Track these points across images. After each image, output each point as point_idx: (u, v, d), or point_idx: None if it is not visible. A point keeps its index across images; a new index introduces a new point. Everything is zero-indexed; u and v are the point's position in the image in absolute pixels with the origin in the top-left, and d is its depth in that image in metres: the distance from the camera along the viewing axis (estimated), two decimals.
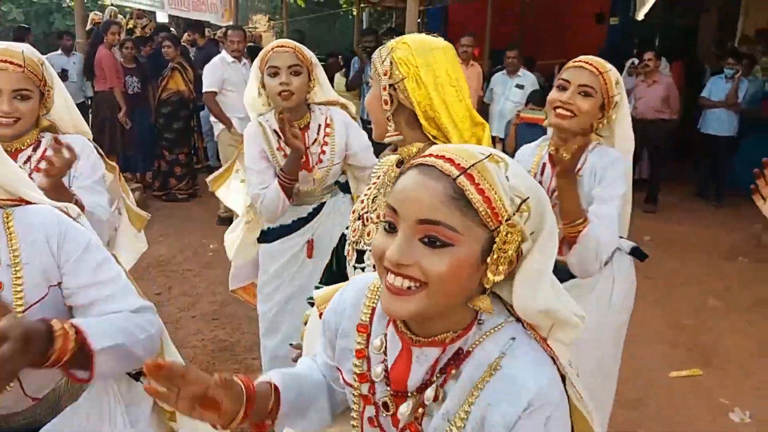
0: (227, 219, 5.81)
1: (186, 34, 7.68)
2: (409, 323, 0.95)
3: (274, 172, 2.31)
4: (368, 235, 1.49)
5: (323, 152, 2.35)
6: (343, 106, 2.48)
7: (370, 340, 1.00)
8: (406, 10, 18.02)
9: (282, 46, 2.28)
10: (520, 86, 6.75)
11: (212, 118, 5.79)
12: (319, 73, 2.37)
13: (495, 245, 0.85)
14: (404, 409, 0.94)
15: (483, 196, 0.84)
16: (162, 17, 11.07)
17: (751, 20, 11.41)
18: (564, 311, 0.93)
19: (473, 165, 0.86)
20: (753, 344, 3.78)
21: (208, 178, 3.15)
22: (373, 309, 1.02)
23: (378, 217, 1.47)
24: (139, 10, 9.19)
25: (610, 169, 1.92)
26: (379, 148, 1.85)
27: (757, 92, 7.27)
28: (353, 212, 1.57)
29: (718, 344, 3.78)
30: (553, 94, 1.98)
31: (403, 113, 1.43)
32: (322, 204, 2.44)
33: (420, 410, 0.94)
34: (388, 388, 0.96)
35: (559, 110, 1.95)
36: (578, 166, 1.89)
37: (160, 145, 6.65)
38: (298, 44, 2.31)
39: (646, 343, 3.80)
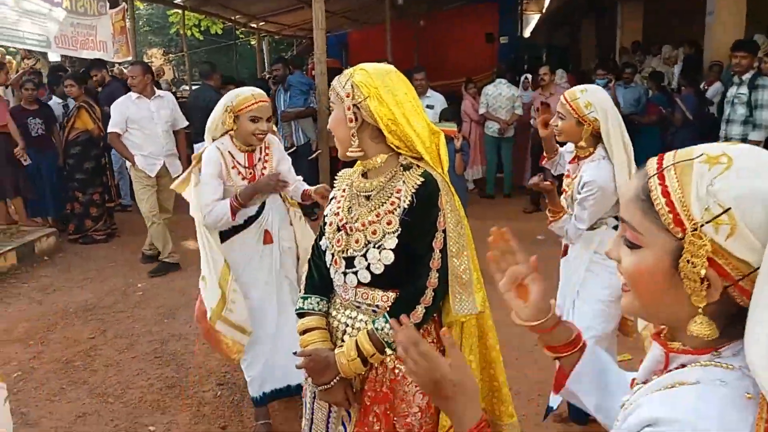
0: (152, 256, 5.68)
1: (92, 72, 7.43)
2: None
3: (223, 188, 2.80)
4: (356, 242, 1.61)
5: (264, 168, 2.90)
6: (274, 132, 3.08)
7: None
8: (304, 38, 18.21)
9: (263, 101, 2.77)
10: (430, 106, 7.01)
11: None
12: None
13: (681, 257, 0.76)
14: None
15: (667, 198, 0.77)
16: (54, 56, 10.62)
17: (627, 34, 12.53)
18: None
19: (674, 164, 0.78)
20: None
21: (173, 185, 3.14)
22: None
23: (363, 225, 1.60)
24: (26, 50, 8.79)
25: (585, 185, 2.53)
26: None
27: (640, 98, 7.94)
28: (329, 225, 1.69)
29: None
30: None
31: (367, 129, 1.60)
32: (264, 203, 2.94)
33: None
34: None
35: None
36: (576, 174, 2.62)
37: (71, 186, 6.37)
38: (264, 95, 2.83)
39: None
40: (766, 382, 0.69)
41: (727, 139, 5.36)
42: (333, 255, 1.67)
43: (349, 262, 1.62)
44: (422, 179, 1.58)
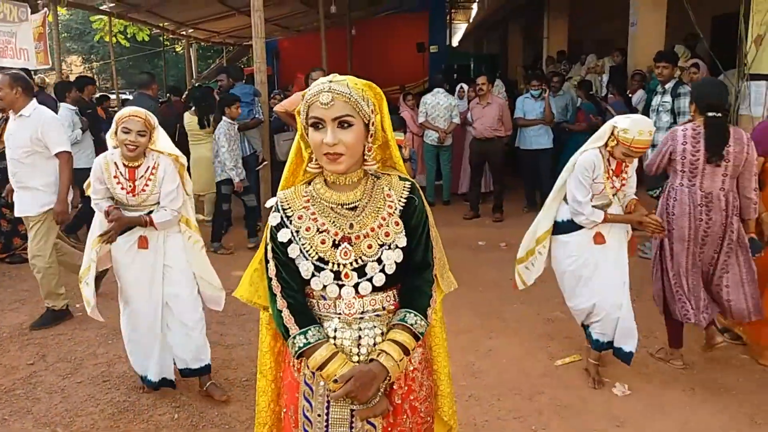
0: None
1: None
2: None
3: (105, 188, 3.30)
4: (369, 247, 1.64)
5: (146, 185, 3.27)
6: (176, 158, 3.36)
7: None
8: (233, 45, 17.93)
9: (136, 115, 3.18)
10: None
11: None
12: (158, 132, 3.34)
13: None
14: None
15: None
16: None
17: (553, 43, 13.04)
18: None
19: None
20: None
21: (85, 184, 3.50)
22: None
23: (372, 230, 1.64)
24: None
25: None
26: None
27: (568, 105, 8.30)
28: (321, 242, 1.63)
29: None
30: (621, 157, 3.28)
31: (376, 143, 1.67)
32: (150, 212, 3.32)
33: None
34: None
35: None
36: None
37: None
38: (147, 113, 3.23)
39: (527, 340, 4.23)
40: None
41: (653, 145, 5.67)
42: (337, 271, 1.64)
43: (361, 270, 1.64)
44: (408, 183, 1.72)
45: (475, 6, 20.66)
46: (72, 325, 4.58)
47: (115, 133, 3.19)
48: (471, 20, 22.28)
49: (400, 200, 1.68)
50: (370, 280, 1.63)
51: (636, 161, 3.41)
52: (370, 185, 1.68)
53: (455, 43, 23.69)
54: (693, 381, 3.60)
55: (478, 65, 15.66)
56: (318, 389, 1.70)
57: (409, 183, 1.72)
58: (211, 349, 3.55)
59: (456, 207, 8.28)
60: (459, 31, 24.56)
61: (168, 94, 10.68)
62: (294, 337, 1.63)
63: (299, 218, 1.66)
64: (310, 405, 1.72)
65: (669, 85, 5.57)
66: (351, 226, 1.64)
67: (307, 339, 1.62)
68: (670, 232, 3.51)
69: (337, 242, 1.64)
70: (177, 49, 19.95)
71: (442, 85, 8.32)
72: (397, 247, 1.65)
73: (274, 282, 1.68)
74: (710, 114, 3.36)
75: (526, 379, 3.66)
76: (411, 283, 1.71)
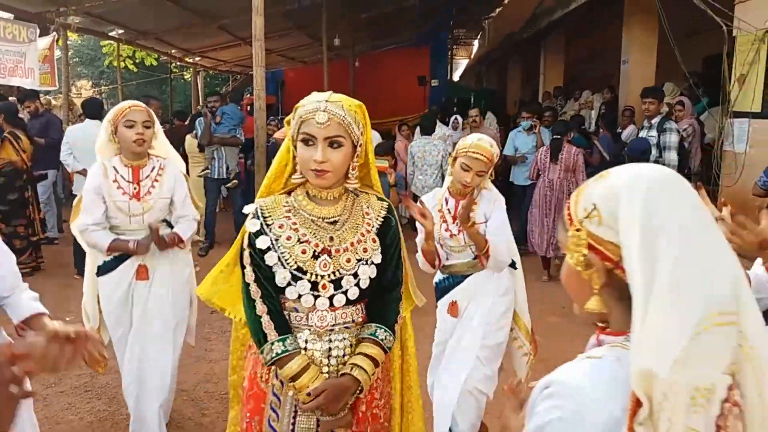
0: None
1: (26, 103, 7.30)
2: None
3: (103, 203, 2.83)
4: (347, 261, 1.72)
5: (153, 187, 2.89)
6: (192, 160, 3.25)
7: None
8: (240, 74, 18.16)
9: (136, 106, 2.84)
10: None
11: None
12: (159, 131, 3.01)
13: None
14: None
15: (568, 209, 0.99)
16: None
17: (549, 79, 13.30)
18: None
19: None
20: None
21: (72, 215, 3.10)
22: None
23: (352, 245, 1.73)
24: None
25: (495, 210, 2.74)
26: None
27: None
28: (301, 252, 1.68)
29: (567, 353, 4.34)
30: (463, 175, 2.70)
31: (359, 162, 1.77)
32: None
33: None
34: None
35: (462, 186, 2.74)
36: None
37: None
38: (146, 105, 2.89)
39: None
40: (633, 359, 0.84)
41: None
42: (315, 282, 1.68)
43: (337, 283, 1.70)
44: (386, 203, 1.82)
45: (476, 42, 21.10)
46: None
47: (114, 132, 2.82)
48: (472, 56, 22.71)
49: (377, 218, 1.78)
50: (345, 293, 1.70)
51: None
52: (350, 202, 1.78)
53: (456, 77, 24.11)
54: None
55: (478, 100, 15.93)
56: (286, 400, 1.75)
57: (386, 204, 1.84)
58: (196, 363, 3.57)
59: None
60: (460, 66, 25.03)
61: (172, 118, 10.94)
62: (272, 344, 1.67)
63: (279, 227, 1.70)
64: (277, 415, 1.76)
65: (655, 121, 5.71)
66: (331, 239, 1.71)
67: (284, 347, 1.66)
68: None
69: (317, 254, 1.69)
70: (185, 77, 20.30)
71: (431, 129, 7.72)
72: (372, 263, 1.73)
73: (253, 287, 1.70)
74: None
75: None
76: (381, 299, 1.79)
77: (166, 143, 3.09)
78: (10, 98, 7.75)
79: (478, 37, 20.02)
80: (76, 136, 6.03)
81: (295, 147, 1.69)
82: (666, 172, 0.93)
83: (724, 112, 6.06)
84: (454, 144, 8.22)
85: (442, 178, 7.98)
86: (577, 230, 0.95)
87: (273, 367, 1.73)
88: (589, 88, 11.12)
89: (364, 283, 1.72)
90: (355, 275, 1.71)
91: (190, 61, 14.42)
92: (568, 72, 13.39)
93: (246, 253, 1.72)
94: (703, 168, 6.99)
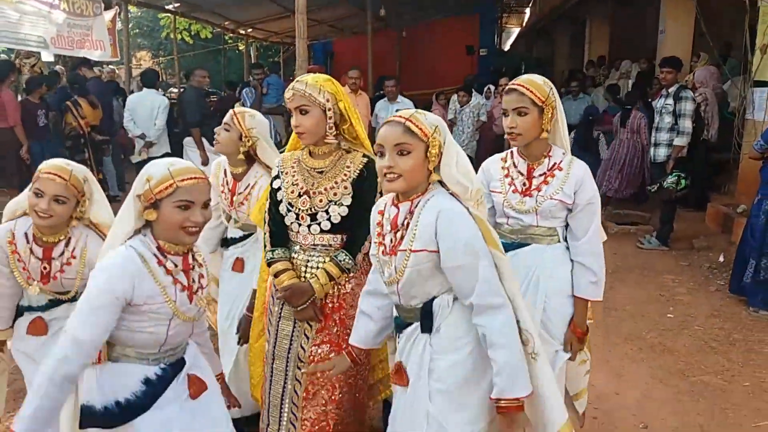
0: None
1: (81, 70, 8.02)
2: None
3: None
4: (320, 202, 2.32)
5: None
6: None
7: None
8: (291, 45, 18.59)
9: (55, 173, 2.14)
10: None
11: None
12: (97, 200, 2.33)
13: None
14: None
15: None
16: (47, 56, 11.11)
17: (594, 48, 13.26)
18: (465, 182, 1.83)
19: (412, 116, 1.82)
20: None
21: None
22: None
23: (326, 189, 2.31)
24: (25, 50, 9.29)
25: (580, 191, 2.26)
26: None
27: (587, 108, 8.52)
28: (291, 192, 2.36)
29: None
30: (504, 121, 2.28)
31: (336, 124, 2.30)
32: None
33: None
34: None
35: (508, 136, 2.27)
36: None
37: None
38: (76, 173, 2.18)
39: None
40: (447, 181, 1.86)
41: (656, 144, 6.01)
42: (298, 214, 2.30)
43: (313, 216, 2.30)
44: (367, 158, 2.32)
45: (527, 11, 20.89)
46: None
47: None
48: (524, 24, 22.49)
49: (354, 171, 2.31)
50: (318, 224, 2.30)
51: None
52: (337, 157, 2.34)
53: (507, 46, 23.92)
54: None
55: (528, 68, 15.90)
56: (274, 310, 2.43)
57: (367, 159, 2.30)
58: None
59: None
60: (512, 35, 24.78)
61: (224, 87, 11.61)
62: (269, 251, 2.36)
63: (286, 174, 2.37)
64: (269, 321, 2.48)
65: (672, 89, 5.88)
66: (313, 184, 2.31)
67: (272, 255, 2.35)
68: None
69: (300, 194, 2.31)
70: (240, 47, 20.98)
71: (473, 86, 8.83)
72: (342, 204, 2.28)
73: (267, 215, 2.40)
74: None
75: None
76: (352, 233, 2.32)
77: (107, 210, 2.36)
78: (57, 67, 8.48)
79: (530, 5, 19.81)
80: (135, 103, 6.69)
81: None
82: None
83: (746, 82, 6.14)
84: (488, 112, 8.59)
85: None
86: (434, 139, 1.84)
87: (272, 290, 2.41)
88: (631, 58, 11.10)
89: (335, 219, 2.29)
90: (327, 212, 2.28)
91: (243, 33, 15.00)
92: (612, 42, 13.29)
93: (268, 191, 2.43)
94: (720, 137, 7.06)
